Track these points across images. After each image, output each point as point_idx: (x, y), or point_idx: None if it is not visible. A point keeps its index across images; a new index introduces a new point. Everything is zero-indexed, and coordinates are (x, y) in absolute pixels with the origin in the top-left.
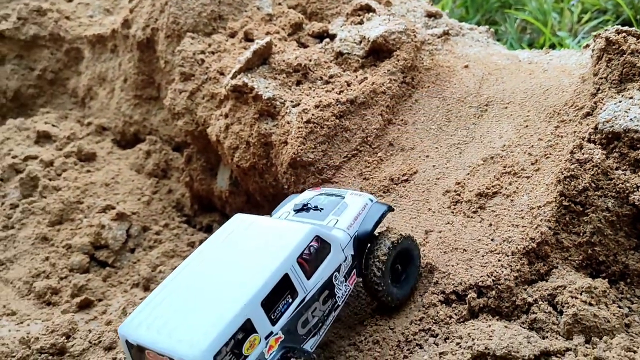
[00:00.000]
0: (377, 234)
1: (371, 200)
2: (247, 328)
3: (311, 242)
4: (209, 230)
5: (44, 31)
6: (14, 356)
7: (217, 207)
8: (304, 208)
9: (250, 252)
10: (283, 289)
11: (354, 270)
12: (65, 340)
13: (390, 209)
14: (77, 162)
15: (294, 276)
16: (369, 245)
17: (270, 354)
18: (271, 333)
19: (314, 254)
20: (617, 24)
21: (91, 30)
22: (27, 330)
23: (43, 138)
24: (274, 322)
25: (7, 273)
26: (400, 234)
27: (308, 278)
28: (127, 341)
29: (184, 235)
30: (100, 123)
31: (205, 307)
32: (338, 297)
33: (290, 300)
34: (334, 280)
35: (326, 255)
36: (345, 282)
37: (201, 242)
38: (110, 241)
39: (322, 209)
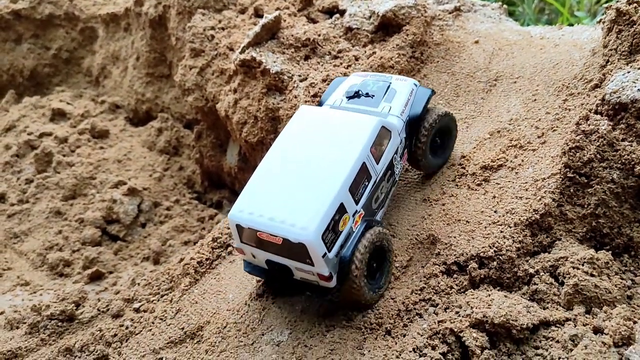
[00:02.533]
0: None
1: (416, 85)
2: (341, 210)
3: (379, 132)
4: (219, 206)
5: (59, 10)
6: (25, 322)
7: (227, 183)
8: (356, 95)
9: (330, 143)
10: (362, 175)
11: (406, 149)
12: (75, 308)
13: (433, 92)
14: (91, 139)
15: (369, 163)
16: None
17: (357, 227)
18: (356, 211)
19: (381, 142)
20: None
21: (105, 9)
22: (40, 300)
23: (58, 115)
24: (357, 202)
25: (22, 245)
26: (440, 113)
27: (377, 162)
28: (238, 225)
29: (194, 211)
30: (114, 101)
31: (303, 194)
32: (396, 174)
33: (367, 183)
34: (394, 161)
35: (389, 141)
36: (400, 160)
37: (211, 217)
38: (121, 215)
39: (373, 95)
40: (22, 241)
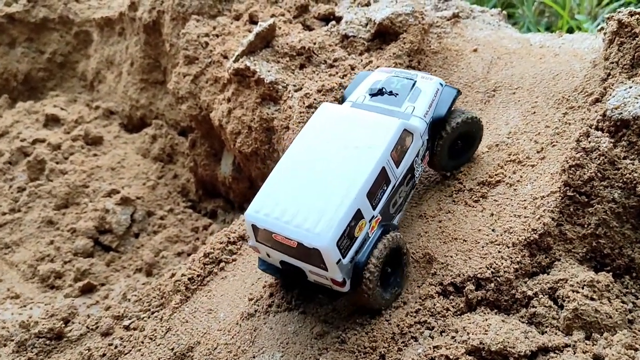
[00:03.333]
0: None
1: (441, 85)
2: (358, 216)
3: (400, 135)
4: (213, 216)
5: (54, 14)
6: (12, 339)
7: (222, 192)
8: (379, 92)
9: (348, 145)
10: (381, 179)
11: (427, 151)
12: (64, 325)
13: (459, 92)
14: (84, 145)
15: (388, 167)
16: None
17: (373, 233)
18: (373, 217)
19: (402, 146)
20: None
21: (100, 13)
22: (29, 314)
23: (51, 121)
24: (374, 208)
25: (13, 256)
26: (466, 117)
27: (397, 166)
28: (253, 225)
29: (188, 221)
30: (108, 107)
31: (319, 198)
32: (416, 177)
33: (385, 188)
34: (414, 164)
35: (410, 144)
36: (421, 163)
37: (205, 228)
38: (114, 226)
39: (397, 94)
40: (13, 252)
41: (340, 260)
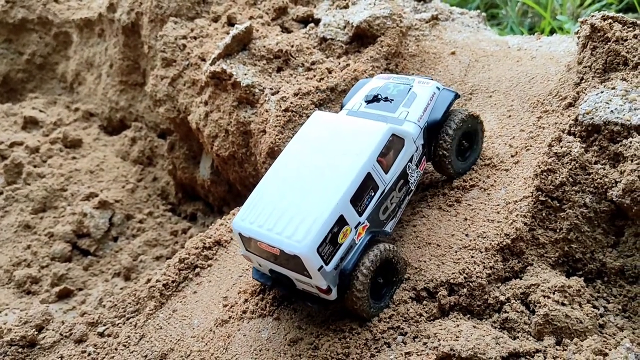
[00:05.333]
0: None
1: (438, 89)
2: (341, 222)
3: (388, 140)
4: (193, 219)
5: (32, 14)
6: None
7: (201, 195)
8: (375, 99)
9: (336, 152)
10: (367, 185)
11: (424, 156)
12: (36, 333)
13: (457, 95)
14: (63, 148)
15: (375, 173)
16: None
17: (360, 240)
18: (359, 223)
19: (390, 151)
20: (620, 9)
21: (79, 14)
22: (4, 320)
23: (30, 124)
24: (360, 214)
25: None
26: (463, 116)
27: (386, 172)
28: (240, 234)
29: (167, 224)
30: (88, 109)
31: (303, 204)
32: (411, 182)
33: (373, 194)
34: (407, 170)
35: (400, 149)
36: (417, 168)
37: (184, 231)
38: (92, 230)
39: (392, 99)
40: None
41: (322, 267)
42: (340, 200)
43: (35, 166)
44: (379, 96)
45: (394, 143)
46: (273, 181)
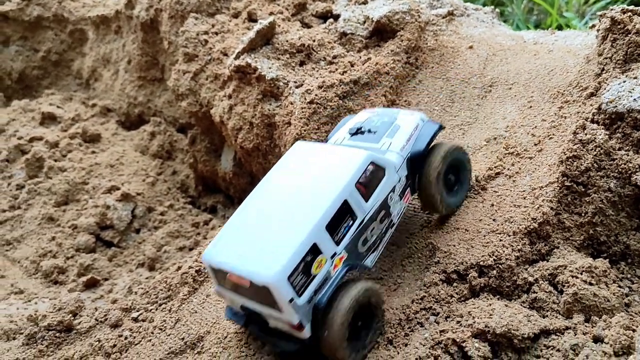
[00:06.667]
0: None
1: (423, 120)
2: (314, 251)
3: (367, 167)
4: (213, 211)
5: (48, 12)
6: (22, 333)
7: (222, 188)
8: (358, 131)
9: (312, 179)
10: (344, 213)
11: (408, 188)
12: (72, 318)
13: (441, 127)
14: (82, 143)
15: (353, 201)
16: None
17: (336, 272)
18: (335, 253)
19: (370, 179)
20: (627, 4)
21: (95, 11)
22: (35, 309)
23: (48, 119)
24: (337, 243)
25: (15, 252)
26: (449, 148)
27: (366, 201)
28: (211, 266)
29: (188, 216)
30: (105, 104)
31: (276, 233)
32: (394, 215)
33: (351, 223)
34: (389, 200)
35: (381, 178)
36: (400, 200)
37: (206, 223)
38: (115, 221)
39: (376, 131)
40: (14, 248)
41: (293, 299)
42: (314, 226)
43: (55, 160)
44: (363, 128)
45: (375, 171)
46: (247, 211)
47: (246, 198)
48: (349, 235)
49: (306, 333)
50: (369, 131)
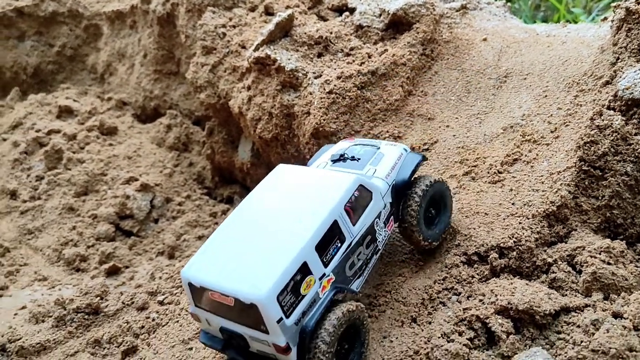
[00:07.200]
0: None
1: (405, 150)
2: (304, 270)
3: (356, 190)
4: (229, 202)
5: (63, 7)
6: (50, 316)
7: (238, 179)
8: (341, 158)
9: (301, 199)
10: (333, 234)
11: (392, 217)
12: (100, 301)
13: (424, 158)
14: (100, 135)
15: (342, 222)
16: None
17: (324, 294)
18: (324, 275)
19: (358, 202)
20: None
21: (110, 7)
22: (60, 294)
23: (65, 113)
24: (326, 265)
25: (37, 241)
26: (433, 179)
27: (354, 224)
28: (190, 283)
29: (205, 207)
30: (120, 98)
31: (263, 251)
32: (379, 241)
33: (339, 245)
34: (375, 226)
35: (369, 202)
36: (385, 227)
37: (223, 213)
38: (135, 211)
39: (359, 158)
40: (36, 237)
41: (282, 319)
42: (305, 244)
43: (74, 152)
44: (346, 155)
45: (362, 194)
46: (230, 229)
47: (227, 216)
48: (337, 257)
49: (292, 357)
50: (352, 158)
